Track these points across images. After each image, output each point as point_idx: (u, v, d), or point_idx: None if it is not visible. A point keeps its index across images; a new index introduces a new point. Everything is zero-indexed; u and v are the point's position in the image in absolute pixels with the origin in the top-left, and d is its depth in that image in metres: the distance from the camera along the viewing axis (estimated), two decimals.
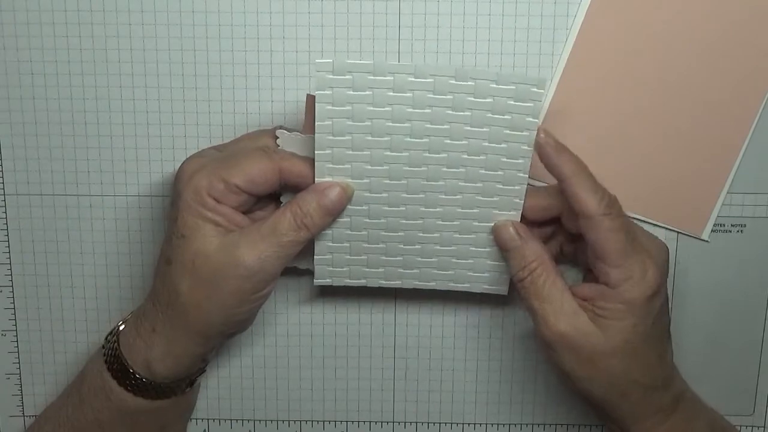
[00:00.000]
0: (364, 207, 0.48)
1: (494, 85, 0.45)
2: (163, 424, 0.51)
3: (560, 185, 0.46)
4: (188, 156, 0.49)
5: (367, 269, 0.50)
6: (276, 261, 0.46)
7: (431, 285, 0.51)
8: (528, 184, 0.48)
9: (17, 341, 0.56)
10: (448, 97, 0.45)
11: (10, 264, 0.55)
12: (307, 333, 0.56)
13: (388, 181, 0.47)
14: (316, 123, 0.46)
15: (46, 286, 0.55)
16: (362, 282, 0.51)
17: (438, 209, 0.48)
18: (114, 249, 0.55)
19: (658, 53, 0.51)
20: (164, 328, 0.47)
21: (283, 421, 0.58)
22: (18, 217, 0.54)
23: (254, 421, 0.58)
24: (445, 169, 0.47)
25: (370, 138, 0.46)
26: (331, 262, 0.50)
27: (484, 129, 0.46)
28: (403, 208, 0.48)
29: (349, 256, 0.50)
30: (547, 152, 0.46)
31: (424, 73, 0.45)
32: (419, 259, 0.50)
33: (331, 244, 0.49)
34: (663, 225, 0.53)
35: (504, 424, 0.57)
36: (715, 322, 0.55)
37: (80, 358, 0.56)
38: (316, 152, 0.46)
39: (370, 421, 0.57)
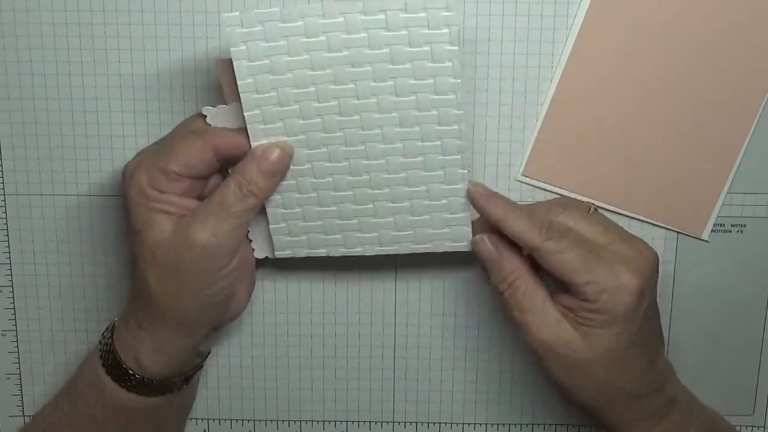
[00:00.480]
0: (306, 166, 0.47)
1: (404, 15, 0.44)
2: (158, 423, 0.51)
3: (498, 228, 0.47)
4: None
5: (325, 236, 0.49)
6: (231, 233, 0.46)
7: (393, 249, 0.50)
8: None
9: (17, 341, 0.56)
10: (363, 35, 0.44)
11: (10, 264, 0.55)
12: (307, 333, 0.56)
13: (323, 135, 0.46)
14: (239, 83, 0.45)
15: (46, 286, 0.55)
16: (323, 252, 0.50)
17: (380, 161, 0.47)
18: (114, 249, 0.55)
19: (658, 53, 0.51)
20: (148, 325, 0.48)
21: (283, 421, 0.58)
22: (18, 217, 0.54)
23: (254, 421, 0.58)
24: (377, 115, 0.46)
25: (295, 91, 0.45)
26: (288, 231, 0.49)
27: (407, 65, 0.45)
28: (346, 163, 0.47)
29: (303, 222, 0.49)
30: (478, 201, 0.47)
31: (334, 11, 0.44)
32: (374, 220, 0.49)
33: (282, 210, 0.49)
34: (663, 225, 0.53)
35: (504, 424, 0.57)
36: (715, 322, 0.55)
37: (80, 358, 0.56)
38: (245, 114, 0.46)
39: (370, 421, 0.57)
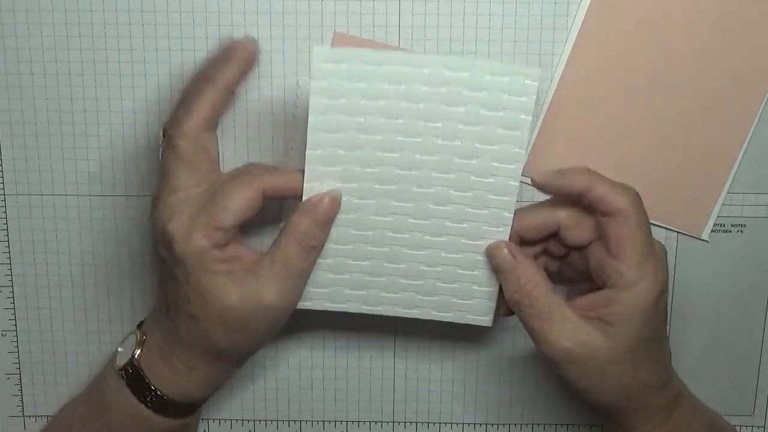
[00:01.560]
0: (351, 216, 0.47)
1: (489, 77, 0.44)
2: None
3: (582, 199, 0.46)
4: (155, 210, 0.47)
5: (349, 291, 0.48)
6: (297, 291, 0.47)
7: (414, 313, 0.49)
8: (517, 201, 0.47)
9: (17, 341, 0.56)
10: (442, 90, 0.44)
11: (10, 264, 0.55)
12: (307, 333, 0.56)
13: (377, 186, 0.46)
14: (310, 118, 0.45)
15: (46, 286, 0.55)
16: (342, 307, 0.49)
17: (426, 221, 0.47)
18: (114, 249, 0.55)
19: (657, 53, 0.51)
20: (202, 366, 0.48)
21: (283, 421, 0.58)
22: (18, 217, 0.54)
23: (254, 421, 0.58)
24: (435, 174, 0.46)
25: (362, 136, 0.45)
26: (312, 281, 0.48)
27: (478, 128, 0.45)
28: (391, 219, 0.47)
29: (332, 275, 0.48)
30: (553, 182, 0.46)
31: (421, 62, 0.44)
32: (403, 280, 0.48)
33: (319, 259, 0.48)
34: (663, 225, 0.53)
35: (504, 424, 0.57)
36: (715, 322, 0.55)
37: (80, 358, 0.56)
38: (307, 152, 0.45)
39: (370, 421, 0.57)
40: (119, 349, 0.50)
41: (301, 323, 0.56)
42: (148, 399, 0.48)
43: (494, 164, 0.46)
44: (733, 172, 0.52)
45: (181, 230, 0.46)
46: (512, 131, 0.45)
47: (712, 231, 0.54)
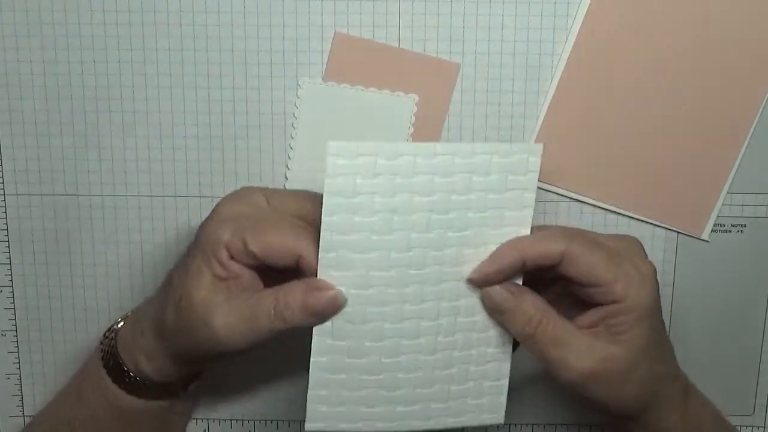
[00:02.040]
0: (367, 326, 0.45)
1: (497, 159, 0.44)
2: (160, 425, 0.52)
3: (524, 262, 0.45)
4: (232, 192, 0.48)
5: (365, 409, 0.46)
6: (243, 340, 0.45)
7: (429, 424, 0.47)
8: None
9: (17, 341, 0.56)
10: (454, 179, 0.44)
11: (10, 264, 0.55)
12: (306, 333, 0.56)
13: (393, 290, 0.45)
14: (323, 219, 0.43)
15: (46, 286, 0.55)
16: (357, 426, 0.47)
17: (439, 321, 0.46)
18: (114, 249, 0.55)
19: (657, 53, 0.51)
20: (150, 338, 0.48)
21: (283, 421, 0.58)
22: (18, 217, 0.54)
23: (254, 421, 0.58)
24: (447, 269, 0.45)
25: (376, 237, 0.44)
26: (327, 400, 0.46)
27: (486, 213, 0.45)
28: (405, 325, 0.45)
29: (347, 392, 0.46)
30: (490, 272, 0.45)
31: (431, 151, 0.43)
32: (418, 390, 0.46)
33: (329, 375, 0.46)
34: (663, 225, 0.53)
35: (504, 424, 0.57)
36: (715, 322, 0.55)
37: (80, 359, 0.56)
38: (320, 254, 0.44)
39: None
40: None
41: None
42: (111, 364, 0.48)
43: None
44: (733, 172, 0.52)
45: (223, 213, 0.46)
46: (518, 212, 0.45)
47: (712, 231, 0.54)
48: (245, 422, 0.58)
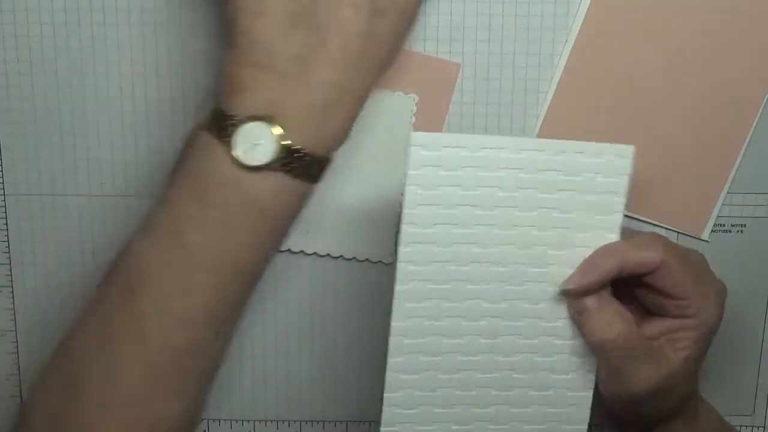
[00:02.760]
0: (443, 322, 0.44)
1: (584, 159, 0.43)
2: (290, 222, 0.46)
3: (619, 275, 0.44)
4: None
5: (437, 410, 0.45)
6: None
7: (506, 428, 0.46)
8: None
9: (17, 341, 0.56)
10: (540, 176, 0.43)
11: (10, 264, 0.55)
12: (307, 333, 0.56)
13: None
14: (404, 212, 0.42)
15: (46, 286, 0.55)
16: (432, 429, 0.46)
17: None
18: (114, 249, 0.55)
19: (657, 53, 0.51)
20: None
21: (283, 421, 0.58)
22: (18, 217, 0.54)
23: (254, 421, 0.58)
24: (531, 269, 0.44)
25: (457, 231, 0.43)
26: (402, 402, 0.45)
27: (573, 215, 0.43)
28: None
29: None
30: (586, 281, 0.44)
31: (516, 145, 0.42)
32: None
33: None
34: (663, 225, 0.53)
35: None
36: None
37: None
38: (400, 249, 0.43)
39: (370, 421, 0.57)
40: (236, 153, 0.42)
41: (301, 321, 0.56)
42: (302, 173, 0.43)
43: (587, 252, 0.44)
44: (733, 172, 0.52)
45: None
46: (607, 216, 0.44)
47: (712, 231, 0.54)
48: (245, 422, 0.58)
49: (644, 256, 0.44)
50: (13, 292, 0.56)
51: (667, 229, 0.53)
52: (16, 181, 0.54)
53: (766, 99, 0.51)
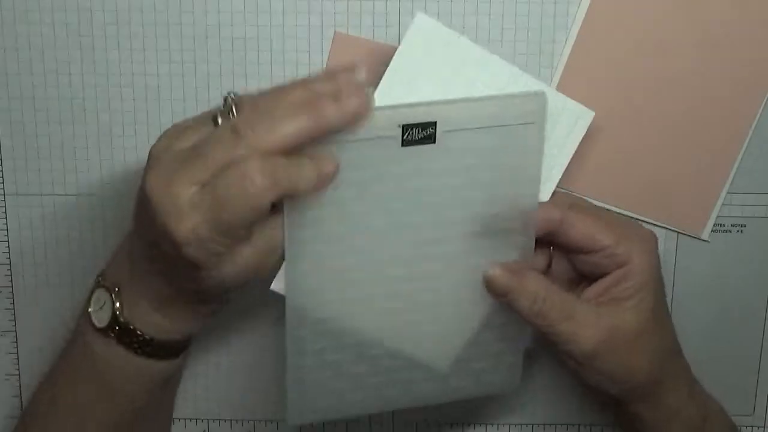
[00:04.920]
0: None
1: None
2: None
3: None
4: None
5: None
6: (202, 232, 0.40)
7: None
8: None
9: (17, 341, 0.56)
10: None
11: (10, 264, 0.55)
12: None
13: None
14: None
15: (46, 286, 0.55)
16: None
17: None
18: (114, 249, 0.55)
19: (657, 53, 0.51)
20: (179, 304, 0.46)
21: (282, 421, 0.57)
22: (18, 217, 0.54)
23: (254, 421, 0.58)
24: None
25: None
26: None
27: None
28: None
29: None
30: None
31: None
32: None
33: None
34: (663, 225, 0.53)
35: (504, 424, 0.57)
36: (715, 322, 0.55)
37: None
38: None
39: (370, 422, 0.57)
40: (90, 310, 0.47)
41: None
42: (137, 348, 0.46)
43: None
44: (733, 172, 0.52)
45: None
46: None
47: (712, 231, 0.54)
48: (245, 422, 0.58)
49: (544, 213, 0.45)
50: (13, 292, 0.56)
51: (667, 229, 0.53)
52: (16, 181, 0.54)
53: (766, 99, 0.51)
